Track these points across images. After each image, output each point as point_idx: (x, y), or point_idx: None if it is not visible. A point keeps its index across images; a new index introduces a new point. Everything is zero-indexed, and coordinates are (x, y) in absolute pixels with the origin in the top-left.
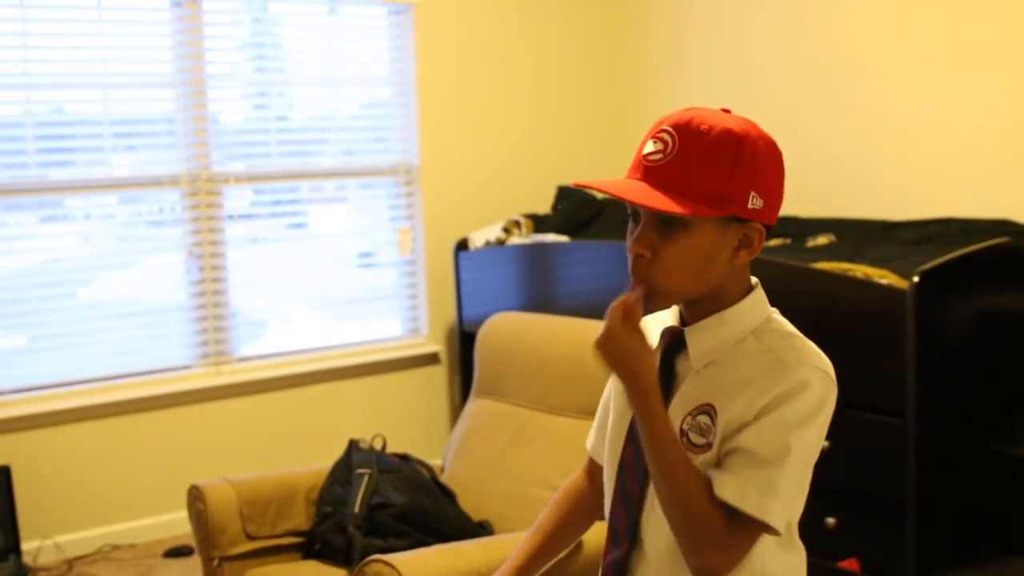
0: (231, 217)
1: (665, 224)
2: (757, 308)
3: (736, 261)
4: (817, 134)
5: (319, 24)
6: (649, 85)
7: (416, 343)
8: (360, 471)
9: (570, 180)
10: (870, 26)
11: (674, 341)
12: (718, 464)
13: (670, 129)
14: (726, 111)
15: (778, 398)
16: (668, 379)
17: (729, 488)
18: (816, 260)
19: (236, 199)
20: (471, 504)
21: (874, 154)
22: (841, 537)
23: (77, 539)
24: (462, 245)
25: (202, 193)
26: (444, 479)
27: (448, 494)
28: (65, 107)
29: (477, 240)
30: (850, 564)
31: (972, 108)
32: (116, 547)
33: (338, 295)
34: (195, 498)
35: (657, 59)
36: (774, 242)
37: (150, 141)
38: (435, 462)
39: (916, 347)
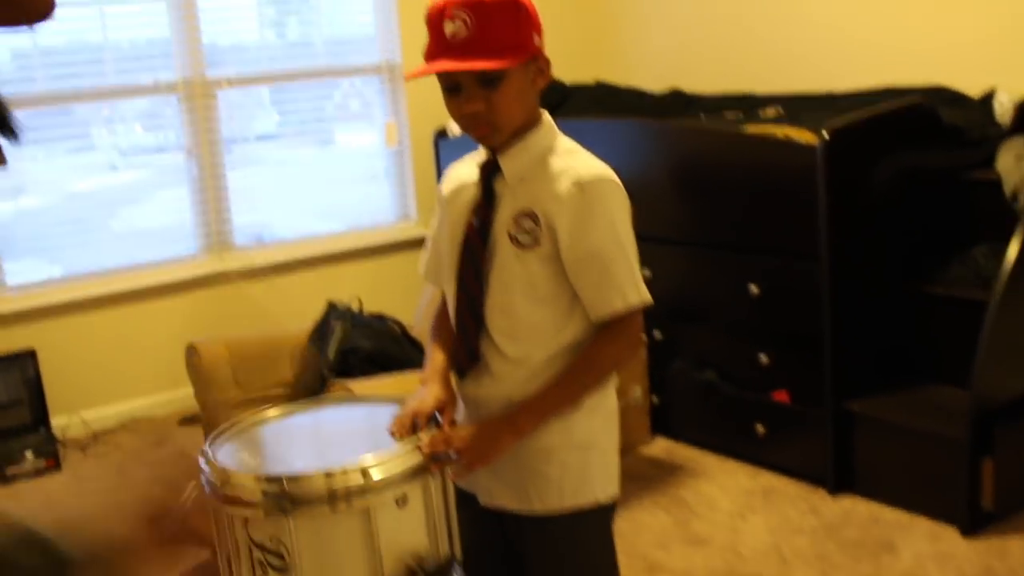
0: (229, 118)
1: (487, 82)
2: (550, 131)
3: (536, 87)
4: (766, 14)
5: None
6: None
7: (406, 227)
8: (335, 324)
9: None
10: None
11: (491, 167)
12: (577, 283)
13: (461, 11)
14: None
15: (589, 206)
16: (490, 198)
17: (613, 300)
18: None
19: (235, 100)
20: None
21: (820, 30)
22: (773, 372)
23: (101, 414)
24: (442, 134)
25: (198, 97)
26: (414, 334)
27: (416, 345)
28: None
29: (455, 128)
30: (781, 396)
31: None
32: (136, 420)
33: (332, 185)
34: (192, 355)
35: None
36: (729, 115)
37: (146, 51)
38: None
39: (828, 198)
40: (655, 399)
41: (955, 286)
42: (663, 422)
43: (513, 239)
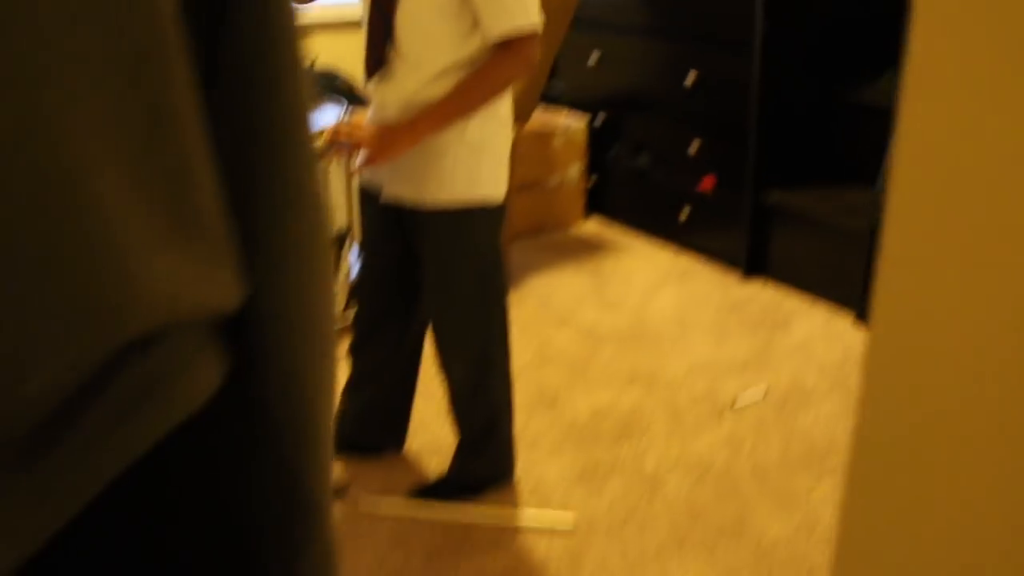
0: None
1: None
2: None
3: None
4: None
5: None
6: None
7: None
8: None
9: None
10: None
11: None
12: (474, 3)
13: None
14: None
15: None
16: None
17: (501, 21)
18: None
19: None
20: None
21: None
22: (701, 160)
23: None
24: None
25: None
26: (362, 92)
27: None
28: None
29: None
30: (707, 183)
31: None
32: None
33: None
34: None
35: None
36: None
37: None
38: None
39: None
40: (592, 180)
41: (882, 96)
42: (598, 202)
43: None
